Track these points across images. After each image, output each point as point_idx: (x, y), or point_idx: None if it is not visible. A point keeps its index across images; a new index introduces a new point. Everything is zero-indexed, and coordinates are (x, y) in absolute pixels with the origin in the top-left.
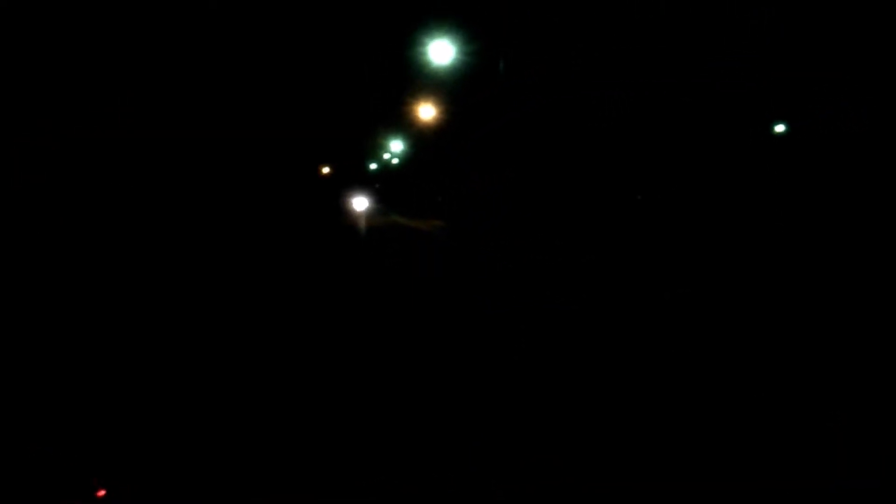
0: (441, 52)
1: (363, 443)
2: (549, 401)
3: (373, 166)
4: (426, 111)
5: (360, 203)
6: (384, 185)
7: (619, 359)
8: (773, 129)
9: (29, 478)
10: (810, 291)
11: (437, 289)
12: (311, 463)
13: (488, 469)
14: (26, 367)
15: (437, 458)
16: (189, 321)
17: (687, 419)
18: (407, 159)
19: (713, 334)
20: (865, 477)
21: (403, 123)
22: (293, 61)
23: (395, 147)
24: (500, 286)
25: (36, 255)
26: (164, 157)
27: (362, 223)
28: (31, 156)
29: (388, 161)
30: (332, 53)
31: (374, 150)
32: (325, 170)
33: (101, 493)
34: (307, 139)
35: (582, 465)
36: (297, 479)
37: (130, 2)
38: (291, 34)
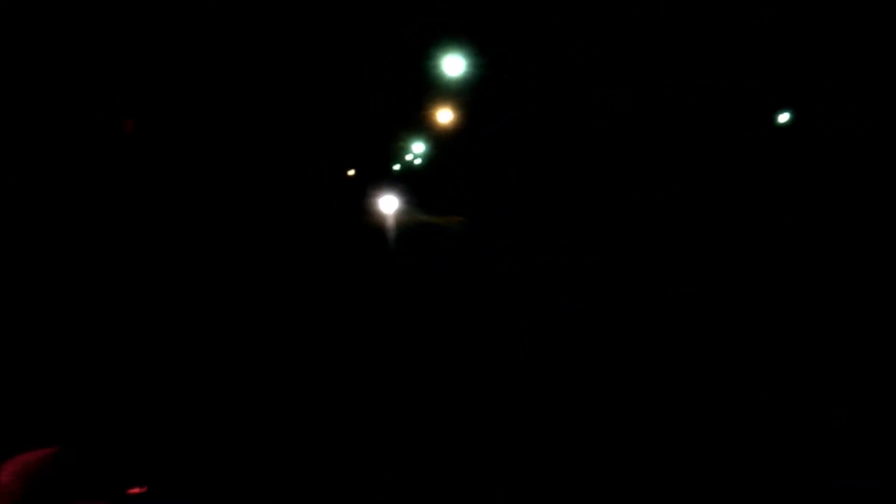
0: (453, 65)
1: (371, 440)
2: (553, 400)
3: (396, 167)
4: (444, 115)
5: (388, 202)
6: (409, 184)
7: (624, 358)
8: (774, 120)
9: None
10: (814, 290)
11: (455, 283)
12: (316, 460)
13: (492, 467)
14: (26, 367)
15: (441, 456)
16: (213, 319)
17: (691, 419)
18: (429, 160)
19: (717, 334)
20: (866, 476)
21: (424, 127)
22: (320, 77)
23: (418, 149)
24: (508, 283)
25: (36, 255)
26: (188, 158)
27: (390, 221)
28: (31, 156)
29: (412, 161)
30: (355, 68)
31: (398, 152)
32: (351, 172)
33: (135, 490)
34: (337, 142)
35: (586, 465)
36: (302, 476)
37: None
38: (320, 53)
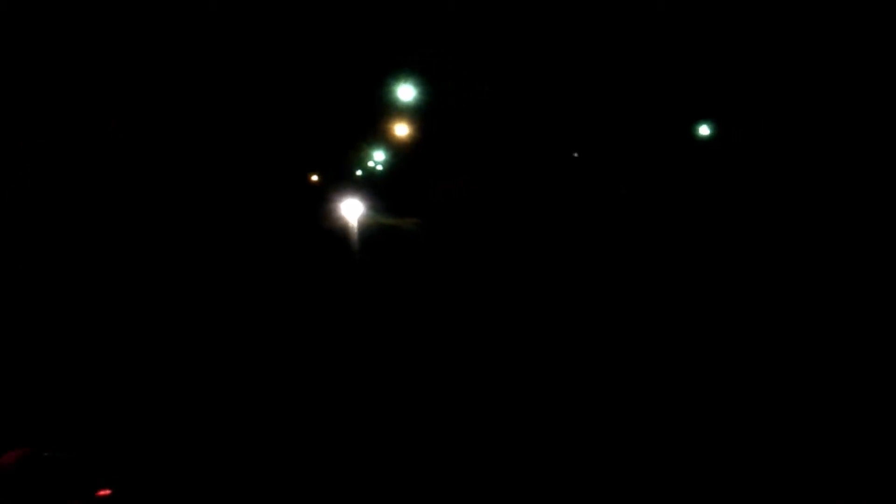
0: (406, 92)
1: (359, 441)
2: (543, 399)
3: (358, 173)
4: (401, 129)
5: (352, 206)
6: (370, 189)
7: (614, 356)
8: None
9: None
10: (807, 290)
11: (421, 281)
12: (305, 463)
13: (486, 468)
14: (26, 368)
15: (432, 457)
16: (189, 322)
17: (687, 417)
18: (390, 167)
19: (714, 332)
20: (866, 476)
21: (384, 139)
22: (290, 93)
23: (379, 157)
24: (463, 277)
25: (35, 255)
26: (165, 161)
27: (355, 224)
28: (31, 156)
29: (374, 168)
30: (322, 89)
31: (361, 160)
32: (314, 178)
33: (105, 492)
34: (303, 152)
35: (582, 464)
36: (292, 479)
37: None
38: (287, 72)
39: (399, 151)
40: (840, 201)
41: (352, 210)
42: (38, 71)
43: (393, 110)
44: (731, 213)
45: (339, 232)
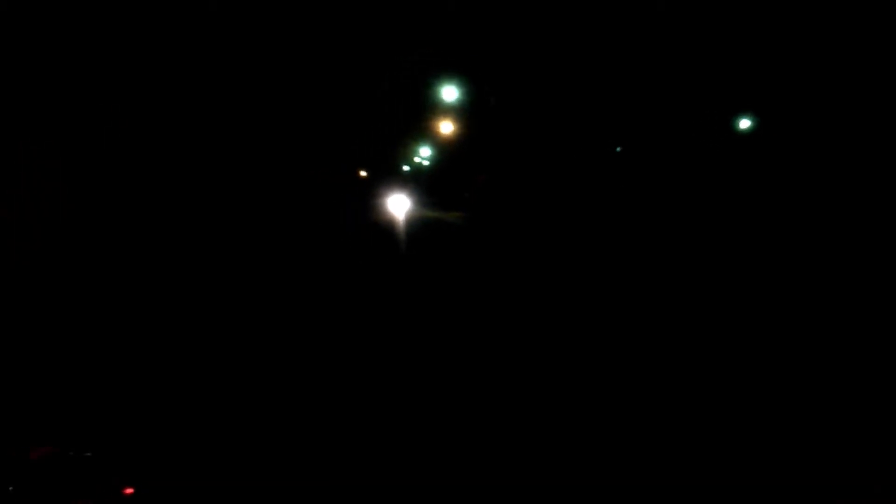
0: (449, 93)
1: (378, 436)
2: (552, 397)
3: (406, 168)
4: (446, 126)
5: (399, 201)
6: (418, 183)
7: (623, 355)
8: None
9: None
10: (808, 290)
11: (459, 270)
12: (319, 458)
13: (492, 467)
14: (27, 367)
15: (441, 454)
16: (223, 318)
17: (687, 417)
18: (435, 163)
19: (714, 333)
20: (865, 477)
21: (430, 136)
22: (352, 98)
23: (425, 153)
24: (516, 273)
25: (36, 256)
26: (202, 158)
27: (402, 217)
28: (30, 157)
29: (420, 164)
30: (380, 93)
31: (408, 157)
32: (363, 173)
33: (129, 491)
34: (355, 151)
35: (585, 465)
36: (301, 475)
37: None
38: (353, 81)
39: (444, 148)
40: (854, 199)
41: (399, 203)
42: (38, 71)
43: (438, 109)
44: (756, 210)
45: (386, 224)
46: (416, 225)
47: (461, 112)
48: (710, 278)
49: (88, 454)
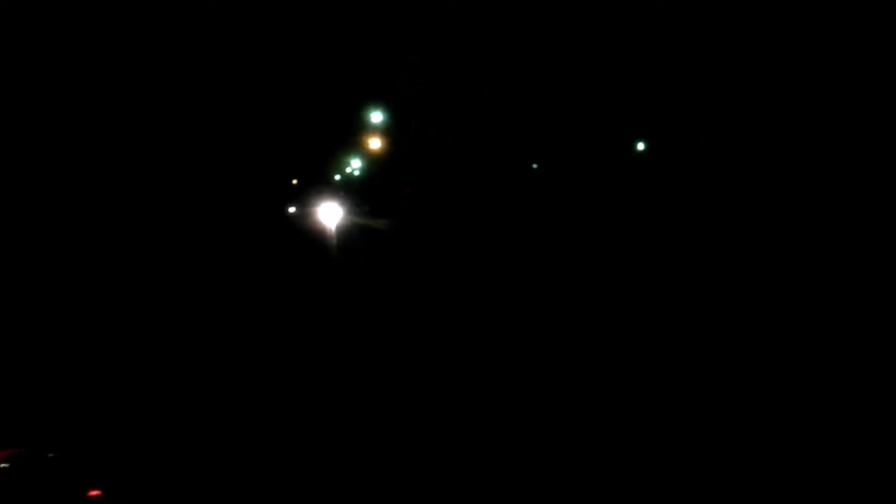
0: (376, 116)
1: (357, 438)
2: (540, 396)
3: (337, 177)
4: (374, 143)
5: (331, 209)
6: (347, 192)
7: (604, 354)
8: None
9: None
10: (809, 292)
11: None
12: (299, 463)
13: (482, 467)
14: (26, 368)
15: (429, 455)
16: (172, 322)
17: (688, 417)
18: (364, 175)
19: (713, 333)
20: (866, 476)
21: (360, 150)
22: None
23: (355, 164)
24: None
25: (34, 256)
26: (164, 162)
27: (334, 224)
28: (29, 157)
29: (351, 174)
30: (315, 112)
31: (340, 166)
32: (294, 181)
33: (95, 492)
34: (286, 160)
35: (579, 463)
36: (289, 479)
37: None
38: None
39: (372, 160)
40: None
41: (331, 211)
42: (37, 70)
43: (367, 128)
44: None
45: (319, 230)
46: (348, 229)
47: (388, 131)
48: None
49: (52, 455)
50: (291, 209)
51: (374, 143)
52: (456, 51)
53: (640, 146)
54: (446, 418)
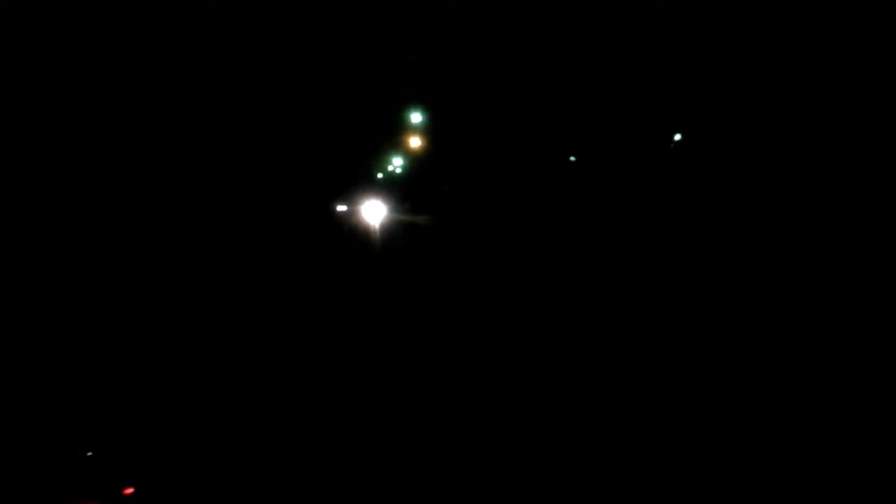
0: (416, 116)
1: (368, 440)
2: (546, 398)
3: (380, 176)
4: (415, 141)
5: (374, 206)
6: (390, 190)
7: (615, 354)
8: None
9: (30, 477)
10: (809, 290)
11: (439, 276)
12: (313, 461)
13: (488, 469)
14: (27, 368)
15: (436, 457)
16: (213, 322)
17: (687, 418)
18: (406, 171)
19: (713, 333)
20: (865, 477)
21: (402, 149)
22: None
23: (397, 162)
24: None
25: (34, 256)
26: (181, 160)
27: (377, 221)
28: (29, 157)
29: (393, 171)
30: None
31: (382, 165)
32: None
33: (128, 491)
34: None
35: (582, 466)
36: (296, 480)
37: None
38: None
39: (413, 159)
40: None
41: (374, 208)
42: (37, 70)
43: (408, 127)
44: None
45: (364, 227)
46: (391, 226)
47: (428, 130)
48: (679, 285)
49: (89, 454)
50: (341, 207)
51: (415, 142)
52: (490, 48)
53: (677, 136)
54: (484, 416)
